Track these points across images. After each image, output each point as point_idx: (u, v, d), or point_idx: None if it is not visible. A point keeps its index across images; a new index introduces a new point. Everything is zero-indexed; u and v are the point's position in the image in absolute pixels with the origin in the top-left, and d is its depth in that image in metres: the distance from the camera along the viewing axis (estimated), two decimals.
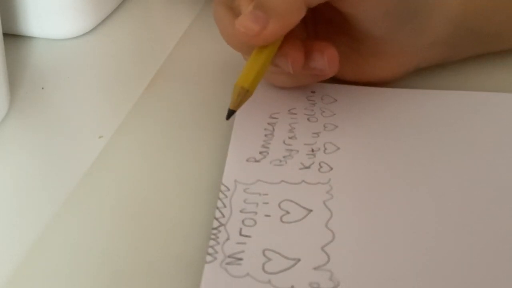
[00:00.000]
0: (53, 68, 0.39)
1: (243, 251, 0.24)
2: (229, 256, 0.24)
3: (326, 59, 0.30)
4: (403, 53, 0.33)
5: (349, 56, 0.33)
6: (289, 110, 0.32)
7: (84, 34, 0.42)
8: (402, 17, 0.30)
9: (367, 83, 0.34)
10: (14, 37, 0.41)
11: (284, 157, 0.29)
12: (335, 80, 0.34)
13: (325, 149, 0.29)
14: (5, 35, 0.36)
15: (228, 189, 0.27)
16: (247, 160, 0.29)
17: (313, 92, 0.34)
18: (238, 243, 0.24)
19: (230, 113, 0.29)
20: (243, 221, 0.25)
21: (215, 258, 0.23)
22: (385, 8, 0.30)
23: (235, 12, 0.30)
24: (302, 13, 0.28)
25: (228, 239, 0.24)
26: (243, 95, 0.28)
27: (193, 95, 0.35)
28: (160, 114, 0.33)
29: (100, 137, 0.32)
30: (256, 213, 0.26)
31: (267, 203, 0.26)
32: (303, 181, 0.27)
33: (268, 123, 0.31)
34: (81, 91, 0.36)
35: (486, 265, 0.23)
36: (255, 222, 0.25)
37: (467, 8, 0.32)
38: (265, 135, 0.30)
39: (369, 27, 0.31)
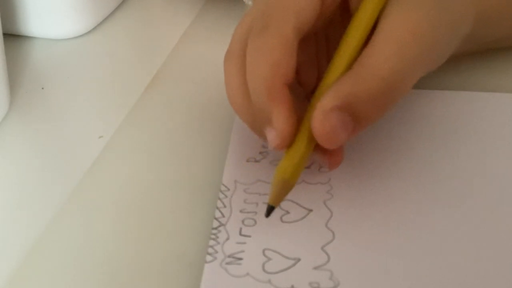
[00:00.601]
0: (53, 68, 0.39)
1: (243, 251, 0.24)
2: (229, 256, 0.24)
3: (327, 161, 0.27)
4: None
5: None
6: None
7: (84, 34, 0.42)
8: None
9: None
10: (14, 37, 0.41)
11: None
12: None
13: None
14: (5, 35, 0.36)
15: (228, 189, 0.27)
16: (247, 160, 0.29)
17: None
18: (238, 242, 0.24)
19: (270, 209, 0.24)
20: (243, 221, 0.25)
21: (215, 258, 0.23)
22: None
23: (257, 112, 0.26)
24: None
25: (228, 239, 0.24)
26: (285, 189, 0.24)
27: (193, 95, 0.35)
28: (160, 114, 0.33)
29: (100, 137, 0.32)
30: (256, 213, 0.26)
31: (267, 202, 0.26)
32: (303, 181, 0.27)
33: None
34: (81, 91, 0.36)
35: (488, 266, 0.23)
36: (255, 222, 0.25)
37: (479, 18, 0.31)
38: None
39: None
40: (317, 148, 0.25)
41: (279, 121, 0.24)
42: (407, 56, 0.25)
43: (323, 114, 0.23)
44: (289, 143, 0.24)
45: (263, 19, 0.26)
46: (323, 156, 0.26)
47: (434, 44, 0.26)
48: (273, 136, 0.24)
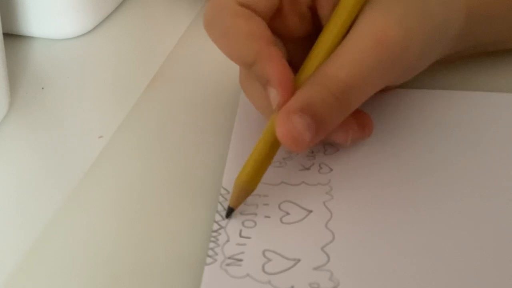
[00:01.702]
0: (53, 68, 0.39)
1: (243, 252, 0.24)
2: (229, 257, 0.24)
3: (350, 134, 0.28)
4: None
5: None
6: None
7: (84, 34, 0.42)
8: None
9: None
10: (14, 37, 0.41)
11: (283, 158, 0.29)
12: None
13: (325, 150, 0.29)
14: (5, 35, 0.36)
15: (228, 192, 0.27)
16: None
17: None
18: (238, 244, 0.24)
19: (230, 211, 0.26)
20: (243, 223, 0.25)
21: (215, 260, 0.23)
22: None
23: (260, 81, 0.27)
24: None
25: (228, 241, 0.24)
26: (244, 192, 0.26)
27: (193, 95, 0.35)
28: (160, 114, 0.33)
29: (100, 137, 0.32)
30: (256, 214, 0.26)
31: (267, 204, 0.26)
32: (303, 182, 0.27)
33: None
34: (81, 91, 0.36)
35: (488, 267, 0.23)
36: (255, 224, 0.25)
37: (470, 17, 0.31)
38: None
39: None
40: (348, 124, 0.27)
41: (275, 73, 0.25)
42: (366, 63, 0.25)
43: (287, 116, 0.24)
44: (289, 97, 0.25)
45: None
46: (357, 129, 0.28)
47: (402, 52, 0.26)
48: (274, 94, 0.25)
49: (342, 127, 0.27)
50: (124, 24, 0.44)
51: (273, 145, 0.25)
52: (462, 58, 0.36)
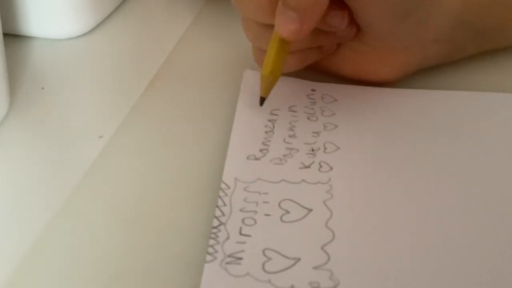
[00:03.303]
0: (53, 68, 0.39)
1: (243, 251, 0.24)
2: (229, 256, 0.24)
3: (346, 18, 0.31)
4: (404, 51, 0.33)
5: (350, 54, 0.33)
6: (289, 107, 0.32)
7: (84, 34, 0.42)
8: (402, 12, 0.31)
9: (369, 82, 0.34)
10: (14, 37, 0.41)
11: (284, 155, 0.29)
12: (337, 77, 0.34)
13: (325, 148, 0.29)
14: (5, 35, 0.36)
15: (228, 187, 0.27)
16: (248, 158, 0.29)
17: (314, 90, 0.34)
18: (238, 242, 0.24)
19: (262, 100, 0.31)
20: (243, 220, 0.25)
21: (215, 258, 0.23)
22: (386, 2, 0.30)
23: None
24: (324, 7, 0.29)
25: (228, 238, 0.24)
26: (268, 82, 0.31)
27: (193, 95, 0.35)
28: (160, 114, 0.33)
29: (100, 137, 0.32)
30: (256, 212, 0.26)
31: (267, 202, 0.26)
32: (303, 180, 0.27)
33: (269, 120, 0.31)
34: (81, 91, 0.36)
35: (487, 266, 0.23)
36: (255, 221, 0.25)
37: (466, 3, 0.32)
38: (266, 132, 0.30)
39: (370, 21, 0.31)
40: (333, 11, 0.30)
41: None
42: None
43: (278, 11, 0.29)
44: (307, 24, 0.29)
45: None
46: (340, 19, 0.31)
47: None
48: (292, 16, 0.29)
49: (339, 13, 0.30)
50: (124, 24, 0.44)
51: (282, 45, 0.30)
52: (464, 56, 0.36)
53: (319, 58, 0.34)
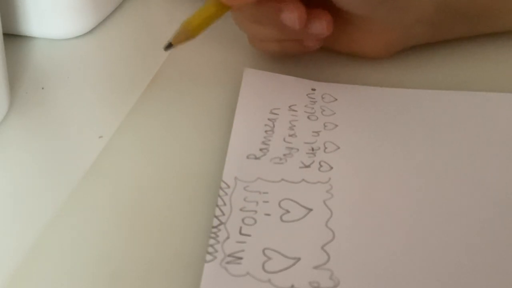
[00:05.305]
0: (53, 68, 0.39)
1: (243, 250, 0.24)
2: (229, 255, 0.24)
3: (325, 24, 0.32)
4: (388, 31, 0.34)
5: (340, 27, 0.34)
6: (289, 106, 0.32)
7: (84, 34, 0.42)
8: None
9: (359, 56, 0.36)
10: (14, 37, 0.41)
11: (284, 155, 0.29)
12: (327, 50, 0.35)
13: (325, 148, 0.29)
14: (5, 35, 0.36)
15: (228, 186, 0.27)
16: (248, 157, 0.28)
17: (314, 89, 0.34)
18: (238, 242, 0.24)
19: (169, 46, 0.31)
20: (243, 220, 0.25)
21: (215, 257, 0.23)
22: None
23: None
24: None
25: (228, 237, 0.24)
26: (186, 34, 0.30)
27: (193, 95, 0.35)
28: (160, 114, 0.33)
29: (100, 137, 0.32)
30: (256, 211, 0.26)
31: (267, 201, 0.26)
32: (303, 180, 0.27)
33: (269, 119, 0.31)
34: (81, 91, 0.36)
35: (487, 266, 0.23)
36: (255, 221, 0.25)
37: None
38: (265, 131, 0.30)
39: (349, 8, 0.32)
40: (287, 9, 0.31)
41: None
42: None
43: None
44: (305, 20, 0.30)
45: None
46: (319, 23, 0.32)
47: None
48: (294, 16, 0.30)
49: (287, 8, 0.31)
50: (124, 24, 0.44)
51: (220, 6, 0.30)
52: (451, 38, 0.36)
53: (301, 52, 0.35)
